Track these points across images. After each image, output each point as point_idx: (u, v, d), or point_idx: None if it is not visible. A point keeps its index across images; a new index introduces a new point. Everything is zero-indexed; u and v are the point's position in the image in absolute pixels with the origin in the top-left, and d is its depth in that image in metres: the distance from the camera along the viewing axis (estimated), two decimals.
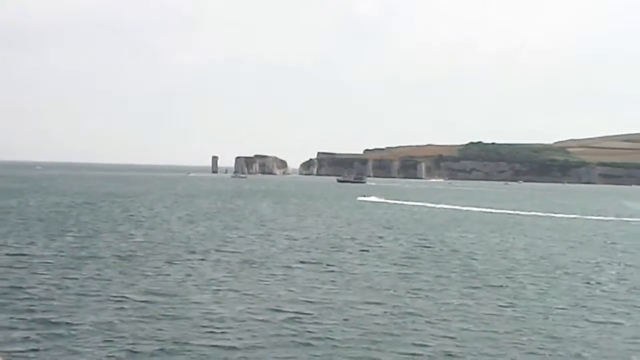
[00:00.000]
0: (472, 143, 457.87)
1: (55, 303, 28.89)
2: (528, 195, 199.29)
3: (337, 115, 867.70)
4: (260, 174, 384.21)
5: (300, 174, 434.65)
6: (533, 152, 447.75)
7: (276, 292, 33.25)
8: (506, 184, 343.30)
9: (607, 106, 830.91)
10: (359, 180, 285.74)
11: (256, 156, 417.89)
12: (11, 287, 32.11)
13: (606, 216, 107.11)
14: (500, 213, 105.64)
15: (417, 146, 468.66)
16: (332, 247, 52.31)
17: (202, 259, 43.71)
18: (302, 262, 43.84)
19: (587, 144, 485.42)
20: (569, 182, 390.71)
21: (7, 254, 43.05)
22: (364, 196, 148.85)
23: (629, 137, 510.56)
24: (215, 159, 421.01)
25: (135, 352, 22.32)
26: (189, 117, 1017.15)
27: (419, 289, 35.03)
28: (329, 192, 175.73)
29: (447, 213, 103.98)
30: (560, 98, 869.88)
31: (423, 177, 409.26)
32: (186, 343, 23.45)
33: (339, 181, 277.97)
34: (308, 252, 49.44)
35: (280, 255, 47.09)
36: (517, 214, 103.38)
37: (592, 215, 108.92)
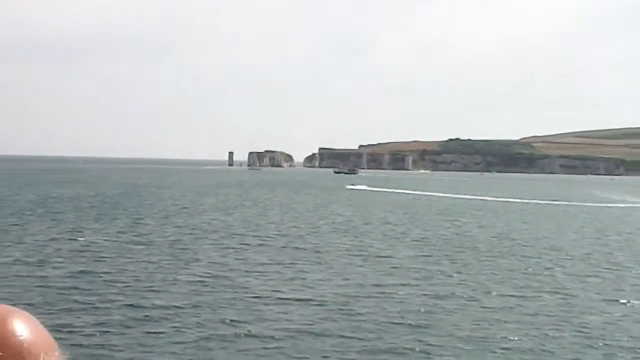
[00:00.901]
0: (451, 139, 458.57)
1: (122, 287, 27.24)
2: (506, 184, 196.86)
3: (335, 116, 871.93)
4: (270, 167, 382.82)
5: (304, 166, 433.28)
6: (503, 146, 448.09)
7: (318, 275, 31.41)
8: (482, 174, 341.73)
9: (565, 107, 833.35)
10: (352, 171, 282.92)
11: (266, 151, 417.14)
12: (80, 271, 30.39)
13: (586, 202, 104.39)
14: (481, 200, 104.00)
15: (404, 142, 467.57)
16: (352, 234, 50.59)
17: (245, 244, 41.79)
18: (330, 245, 42.10)
19: (548, 140, 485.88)
20: (534, 172, 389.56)
21: (73, 239, 41.38)
22: (353, 185, 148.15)
23: (583, 133, 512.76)
24: (231, 154, 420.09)
25: (200, 334, 20.60)
26: (205, 117, 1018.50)
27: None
28: (327, 182, 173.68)
29: (431, 200, 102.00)
30: (526, 99, 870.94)
31: (410, 168, 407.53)
32: (245, 324, 21.79)
33: (335, 172, 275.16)
34: (332, 235, 47.91)
35: (311, 239, 45.32)
36: (507, 201, 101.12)
37: (578, 201, 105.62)
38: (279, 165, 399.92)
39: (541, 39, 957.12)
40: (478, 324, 22.54)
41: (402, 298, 26.34)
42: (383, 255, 38.66)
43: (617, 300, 27.15)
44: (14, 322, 1.02)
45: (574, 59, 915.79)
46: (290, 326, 21.84)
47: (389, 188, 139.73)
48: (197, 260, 34.82)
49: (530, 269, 34.64)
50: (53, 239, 41.00)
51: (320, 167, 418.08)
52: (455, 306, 25.20)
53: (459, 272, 33.03)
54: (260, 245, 41.71)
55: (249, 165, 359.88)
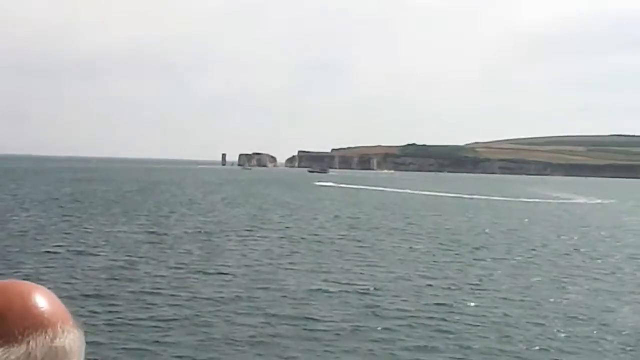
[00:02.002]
0: (409, 144, 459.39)
1: (152, 277, 25.04)
2: (459, 183, 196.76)
3: (313, 124, 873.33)
4: (257, 167, 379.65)
5: (286, 166, 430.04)
6: (452, 151, 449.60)
7: (334, 266, 29.44)
8: (436, 174, 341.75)
9: (503, 118, 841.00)
10: (323, 171, 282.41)
11: (254, 153, 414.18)
12: (116, 260, 28.28)
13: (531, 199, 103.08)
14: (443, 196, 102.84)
15: (370, 146, 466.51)
16: (349, 226, 48.87)
17: (262, 236, 39.48)
18: (337, 238, 40.05)
19: (489, 146, 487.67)
20: (478, 173, 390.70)
21: (101, 232, 38.80)
22: (320, 182, 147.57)
23: (517, 141, 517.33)
24: (224, 155, 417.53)
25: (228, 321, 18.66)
26: (200, 124, 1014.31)
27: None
28: (302, 179, 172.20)
29: (389, 194, 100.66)
30: (471, 111, 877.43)
31: (375, 169, 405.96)
32: (275, 315, 19.79)
33: (310, 172, 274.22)
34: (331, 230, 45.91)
35: (315, 233, 43.12)
36: (460, 197, 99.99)
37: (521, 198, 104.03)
38: (265, 166, 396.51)
39: (484, 63, 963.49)
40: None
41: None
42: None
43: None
44: (36, 296, 1.01)
45: (510, 79, 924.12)
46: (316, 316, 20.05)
47: (351, 184, 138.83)
48: (224, 251, 32.97)
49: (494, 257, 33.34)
50: (89, 232, 38.69)
51: (299, 167, 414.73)
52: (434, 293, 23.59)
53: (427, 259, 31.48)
54: (277, 238, 39.41)
55: (240, 165, 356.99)
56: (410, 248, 36.20)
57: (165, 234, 38.67)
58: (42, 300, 1.01)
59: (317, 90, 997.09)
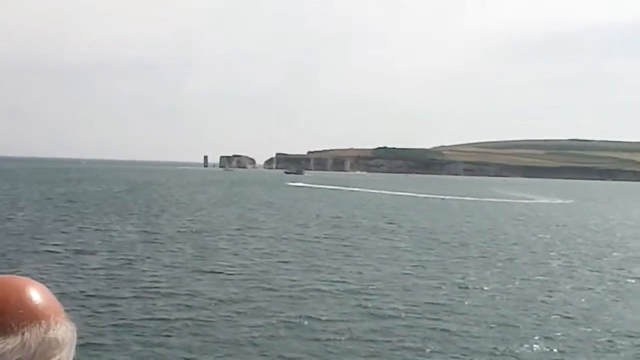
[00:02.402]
0: (380, 147, 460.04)
1: (148, 276, 24.24)
2: (425, 184, 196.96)
3: (289, 127, 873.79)
4: (237, 168, 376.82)
5: (264, 167, 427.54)
6: (420, 153, 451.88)
7: (323, 264, 28.88)
8: (405, 175, 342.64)
9: (465, 123, 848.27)
10: (298, 172, 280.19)
11: (234, 155, 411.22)
12: (108, 261, 27.45)
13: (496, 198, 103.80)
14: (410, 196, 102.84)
15: (344, 149, 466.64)
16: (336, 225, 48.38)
17: (251, 235, 38.71)
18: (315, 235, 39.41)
19: (454, 149, 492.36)
20: (443, 174, 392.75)
21: (96, 231, 37.61)
22: (292, 182, 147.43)
23: (479, 144, 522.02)
24: (206, 157, 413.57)
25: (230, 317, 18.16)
26: (181, 127, 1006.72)
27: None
28: (279, 180, 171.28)
29: (365, 195, 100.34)
30: (436, 117, 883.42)
31: (348, 170, 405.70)
32: (271, 313, 19.18)
33: (286, 173, 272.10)
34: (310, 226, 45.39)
35: (300, 232, 42.54)
36: (433, 197, 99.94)
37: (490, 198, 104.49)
38: (244, 167, 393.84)
39: (450, 70, 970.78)
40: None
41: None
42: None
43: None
44: (31, 290, 1.02)
45: (474, 86, 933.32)
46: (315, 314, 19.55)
47: (321, 185, 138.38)
48: (216, 250, 32.17)
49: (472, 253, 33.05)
50: (84, 231, 37.58)
51: (276, 168, 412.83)
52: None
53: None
54: (264, 237, 38.73)
55: (221, 167, 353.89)
56: (393, 247, 35.76)
57: (158, 233, 37.76)
58: (36, 294, 1.02)
59: (295, 96, 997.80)
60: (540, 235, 44.62)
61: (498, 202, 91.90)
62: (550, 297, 22.84)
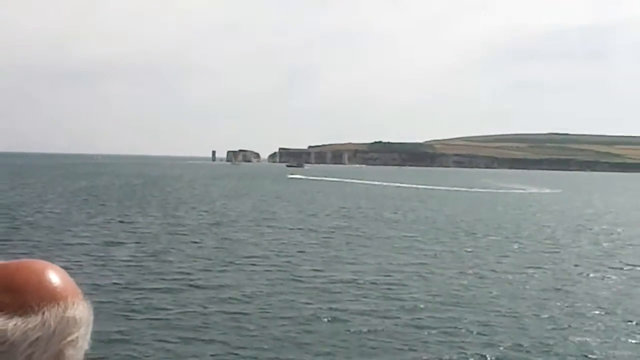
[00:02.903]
0: (376, 142, 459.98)
1: (181, 267, 23.20)
2: (420, 176, 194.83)
3: (291, 123, 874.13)
4: (243, 162, 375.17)
5: (268, 162, 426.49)
6: (412, 147, 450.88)
7: (342, 254, 27.83)
8: (399, 168, 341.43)
9: (456, 119, 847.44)
10: (299, 165, 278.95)
11: (240, 150, 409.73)
12: (135, 252, 26.49)
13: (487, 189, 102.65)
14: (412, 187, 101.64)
15: (342, 143, 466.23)
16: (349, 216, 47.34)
17: (269, 226, 37.50)
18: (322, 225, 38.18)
19: (445, 143, 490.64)
20: (435, 166, 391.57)
21: (122, 223, 36.45)
22: (292, 175, 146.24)
23: (469, 138, 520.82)
24: (214, 152, 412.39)
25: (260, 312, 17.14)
26: (190, 124, 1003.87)
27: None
28: (283, 173, 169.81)
29: (368, 187, 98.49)
30: (429, 113, 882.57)
31: (346, 163, 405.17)
32: (303, 303, 18.22)
33: (287, 166, 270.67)
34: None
35: (312, 220, 41.39)
36: (431, 188, 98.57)
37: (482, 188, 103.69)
38: (249, 161, 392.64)
39: (439, 71, 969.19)
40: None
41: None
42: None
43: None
44: (50, 272, 1.02)
45: (461, 86, 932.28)
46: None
47: (319, 177, 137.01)
48: (239, 241, 31.06)
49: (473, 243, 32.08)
50: (111, 223, 36.54)
51: (279, 162, 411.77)
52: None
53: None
54: (280, 227, 37.54)
55: (228, 161, 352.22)
56: (403, 236, 34.54)
57: (180, 225, 36.59)
58: (55, 277, 1.02)
59: (296, 94, 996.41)
60: (544, 224, 43.72)
61: (493, 193, 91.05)
62: (573, 282, 22.06)
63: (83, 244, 28.10)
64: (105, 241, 28.95)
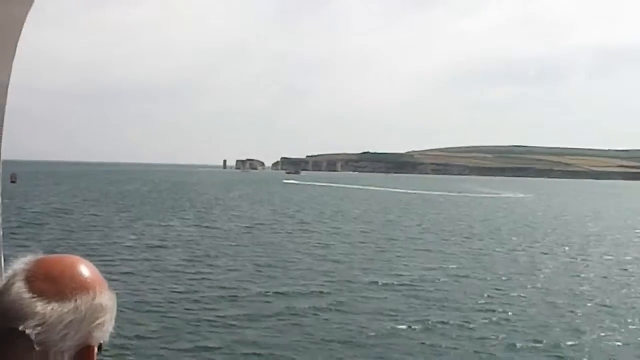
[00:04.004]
0: (364, 152, 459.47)
1: (225, 268, 21.36)
2: (406, 181, 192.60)
3: (292, 135, 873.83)
4: (250, 169, 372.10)
5: (272, 169, 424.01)
6: (396, 157, 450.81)
7: (367, 256, 26.06)
8: (386, 175, 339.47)
9: (432, 132, 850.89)
10: (297, 172, 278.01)
11: (247, 159, 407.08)
12: (181, 254, 24.77)
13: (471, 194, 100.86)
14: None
15: (336, 154, 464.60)
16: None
17: (301, 229, 35.09)
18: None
19: (423, 153, 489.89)
20: (415, 173, 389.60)
21: (159, 225, 34.33)
22: (287, 180, 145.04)
23: (445, 149, 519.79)
24: (225, 160, 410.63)
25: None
26: (201, 135, 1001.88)
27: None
28: (281, 178, 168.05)
29: (367, 191, 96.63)
30: (409, 127, 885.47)
31: (339, 170, 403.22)
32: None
33: (286, 173, 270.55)
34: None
35: (330, 225, 39.23)
36: (421, 193, 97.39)
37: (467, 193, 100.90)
38: (255, 168, 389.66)
39: (418, 90, 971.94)
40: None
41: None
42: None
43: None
44: (81, 265, 1.06)
45: (438, 102, 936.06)
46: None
47: (312, 182, 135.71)
48: (272, 243, 29.14)
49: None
50: (149, 225, 34.60)
51: (281, 169, 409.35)
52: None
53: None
54: (305, 230, 35.47)
55: (237, 168, 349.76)
56: (410, 238, 32.80)
57: (215, 228, 34.42)
58: (85, 269, 1.06)
59: (294, 109, 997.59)
60: (531, 226, 42.31)
61: (475, 197, 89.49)
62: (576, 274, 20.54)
63: (129, 246, 26.31)
64: (148, 244, 27.11)
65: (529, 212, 55.35)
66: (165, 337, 12.75)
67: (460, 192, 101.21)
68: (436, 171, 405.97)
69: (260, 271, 21.10)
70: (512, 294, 18.21)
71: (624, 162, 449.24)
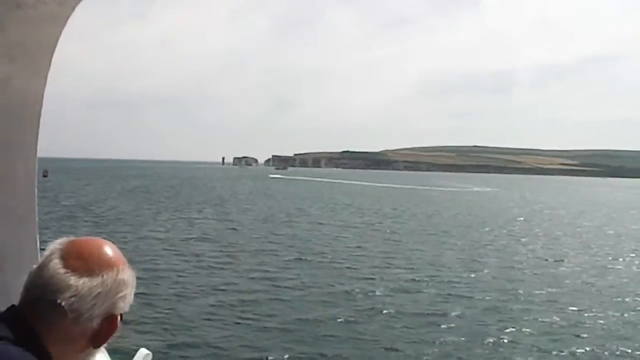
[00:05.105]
0: (345, 151, 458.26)
1: (247, 260, 19.47)
2: (384, 177, 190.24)
3: (281, 136, 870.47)
4: (246, 166, 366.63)
5: (264, 165, 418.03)
6: (372, 155, 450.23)
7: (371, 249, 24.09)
8: (364, 170, 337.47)
9: (403, 133, 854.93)
10: (284, 168, 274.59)
11: (243, 156, 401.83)
12: (209, 248, 22.57)
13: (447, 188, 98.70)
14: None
15: (320, 152, 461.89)
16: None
17: (315, 222, 32.79)
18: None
19: (396, 152, 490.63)
20: (389, 170, 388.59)
21: (181, 218, 31.93)
22: (273, 175, 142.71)
23: (414, 149, 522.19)
24: (223, 158, 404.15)
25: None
26: (201, 134, 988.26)
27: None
28: (269, 173, 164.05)
29: (352, 186, 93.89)
30: (384, 129, 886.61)
31: (323, 167, 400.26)
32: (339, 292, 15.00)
33: (275, 169, 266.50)
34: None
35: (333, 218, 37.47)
36: (401, 187, 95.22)
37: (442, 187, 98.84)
38: (250, 165, 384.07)
39: (393, 97, 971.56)
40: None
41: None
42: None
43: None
44: (106, 246, 1.10)
45: (406, 110, 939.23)
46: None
47: (292, 176, 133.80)
48: (291, 237, 26.94)
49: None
50: (172, 218, 32.19)
51: (272, 166, 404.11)
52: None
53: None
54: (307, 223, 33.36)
55: (235, 165, 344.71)
56: (394, 231, 30.69)
57: (232, 221, 31.91)
58: (110, 249, 1.09)
59: (284, 114, 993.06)
60: (520, 216, 40.76)
61: (454, 191, 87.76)
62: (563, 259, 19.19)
63: (155, 238, 24.22)
64: (173, 236, 24.97)
65: (504, 204, 54.44)
66: (199, 326, 11.06)
67: (442, 187, 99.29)
68: (407, 168, 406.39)
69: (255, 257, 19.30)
70: (515, 278, 16.77)
71: (565, 161, 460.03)
